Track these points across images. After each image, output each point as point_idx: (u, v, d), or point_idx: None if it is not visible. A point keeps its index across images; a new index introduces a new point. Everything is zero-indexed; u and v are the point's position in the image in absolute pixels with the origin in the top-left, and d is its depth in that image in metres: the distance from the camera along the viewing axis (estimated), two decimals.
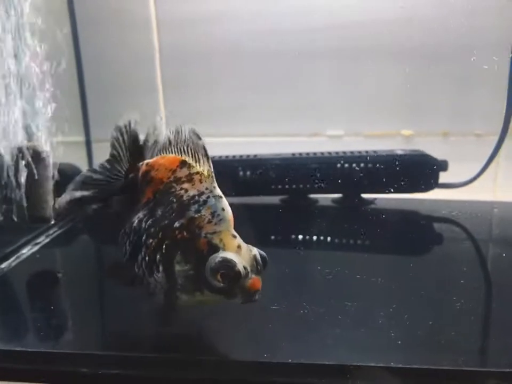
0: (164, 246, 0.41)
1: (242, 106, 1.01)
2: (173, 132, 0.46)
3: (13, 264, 0.66)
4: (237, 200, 0.91)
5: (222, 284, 0.38)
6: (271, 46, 0.98)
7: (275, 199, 0.92)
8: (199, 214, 0.40)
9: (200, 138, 0.44)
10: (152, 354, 0.45)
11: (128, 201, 0.49)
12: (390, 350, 0.42)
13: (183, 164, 0.43)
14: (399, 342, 0.42)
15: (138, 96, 1.01)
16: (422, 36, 0.92)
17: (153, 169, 0.45)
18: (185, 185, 0.42)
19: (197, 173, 0.42)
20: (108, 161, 0.53)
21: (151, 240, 0.42)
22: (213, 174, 0.43)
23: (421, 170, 0.86)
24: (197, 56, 1.00)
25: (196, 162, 0.43)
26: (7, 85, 0.66)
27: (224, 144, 1.01)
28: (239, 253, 0.39)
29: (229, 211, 0.41)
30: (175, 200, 0.42)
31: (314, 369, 0.41)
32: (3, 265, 0.65)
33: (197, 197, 0.41)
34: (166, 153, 0.46)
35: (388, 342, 0.43)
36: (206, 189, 0.42)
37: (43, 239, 0.74)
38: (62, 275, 0.64)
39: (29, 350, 0.46)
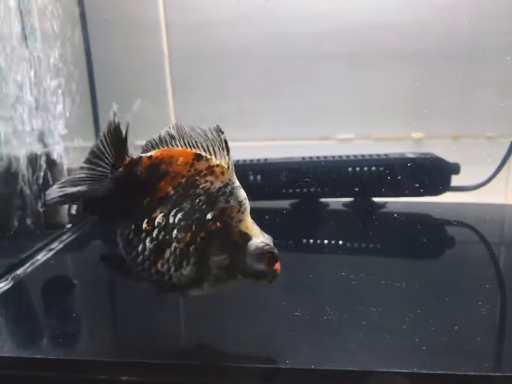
0: (198, 239, 0.42)
1: (252, 110, 1.01)
2: (174, 127, 0.47)
3: (28, 270, 0.66)
4: (250, 204, 0.92)
5: (266, 267, 0.41)
6: (280, 50, 0.98)
7: (285, 203, 0.92)
8: (229, 205, 0.42)
9: (222, 133, 0.45)
10: (171, 360, 0.45)
11: (122, 197, 0.46)
12: (414, 355, 0.42)
13: (199, 157, 0.44)
14: (424, 348, 0.42)
15: (148, 100, 1.01)
16: (432, 38, 0.92)
17: (163, 162, 0.45)
18: (209, 178, 0.43)
19: (217, 165, 0.44)
20: (87, 159, 0.49)
21: (183, 234, 0.42)
22: (233, 166, 0.44)
23: (432, 173, 0.85)
24: (206, 60, 1.01)
25: (210, 155, 0.44)
26: (23, 94, 0.67)
27: (233, 148, 1.01)
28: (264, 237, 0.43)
29: (247, 199, 0.44)
30: (202, 192, 0.43)
31: (338, 375, 0.41)
32: (19, 271, 0.65)
33: (223, 189, 0.43)
34: (169, 147, 0.46)
35: (412, 347, 0.42)
36: (229, 180, 0.43)
37: (57, 245, 0.74)
38: (76, 281, 0.64)
39: (45, 357, 0.46)
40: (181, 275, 0.43)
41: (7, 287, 0.61)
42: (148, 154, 0.46)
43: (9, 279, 0.62)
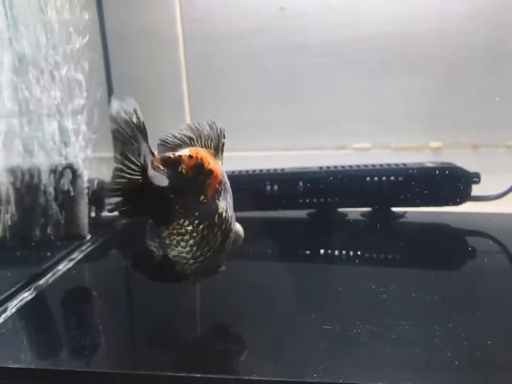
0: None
1: (268, 120, 1.01)
2: (189, 128, 0.49)
3: (50, 280, 0.66)
4: (265, 214, 0.91)
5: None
6: (296, 60, 0.99)
7: (302, 213, 0.91)
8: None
9: (224, 137, 0.49)
10: (196, 374, 0.45)
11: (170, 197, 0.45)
12: (446, 370, 0.41)
13: (214, 156, 0.49)
14: (456, 362, 0.41)
15: (165, 111, 1.02)
16: (451, 47, 0.92)
17: (205, 161, 0.46)
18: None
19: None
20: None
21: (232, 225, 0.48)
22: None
23: (452, 183, 0.85)
24: (222, 72, 1.01)
25: (216, 155, 0.49)
26: (46, 104, 0.68)
27: (250, 158, 1.01)
28: None
29: None
30: (226, 186, 0.49)
31: None
32: (41, 282, 0.65)
33: (226, 184, 0.49)
34: (194, 146, 0.48)
35: (444, 362, 0.41)
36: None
37: (77, 255, 0.75)
38: (97, 292, 0.64)
39: (70, 369, 0.46)
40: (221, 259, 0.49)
41: (30, 297, 0.61)
42: (182, 153, 0.46)
43: (32, 289, 0.63)
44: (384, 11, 0.95)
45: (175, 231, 0.45)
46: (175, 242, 0.45)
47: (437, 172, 0.85)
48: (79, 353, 0.50)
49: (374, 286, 0.55)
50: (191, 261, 0.46)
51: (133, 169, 0.42)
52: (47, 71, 0.68)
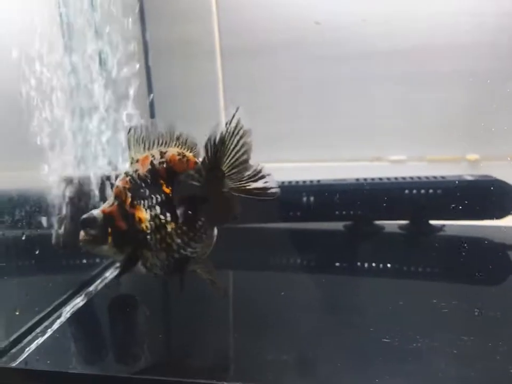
0: None
1: (303, 132, 1.02)
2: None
3: (99, 287, 0.67)
4: (303, 225, 0.92)
5: None
6: (331, 72, 1.00)
7: (339, 225, 0.91)
8: None
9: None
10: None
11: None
12: None
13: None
14: None
15: (202, 122, 1.04)
16: (487, 59, 0.92)
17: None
18: None
19: None
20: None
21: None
22: None
23: (493, 196, 0.84)
24: (258, 83, 1.03)
25: None
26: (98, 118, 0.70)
27: (286, 169, 1.02)
28: None
29: None
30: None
31: None
32: (91, 288, 0.67)
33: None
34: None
35: (506, 379, 0.41)
36: None
37: None
38: (142, 299, 0.65)
39: (129, 376, 0.47)
40: None
41: (82, 303, 0.63)
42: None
43: (83, 296, 0.64)
44: (419, 23, 0.95)
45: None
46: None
47: (477, 184, 0.84)
48: (128, 359, 0.51)
49: (435, 301, 0.54)
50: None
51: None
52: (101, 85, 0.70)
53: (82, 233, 0.52)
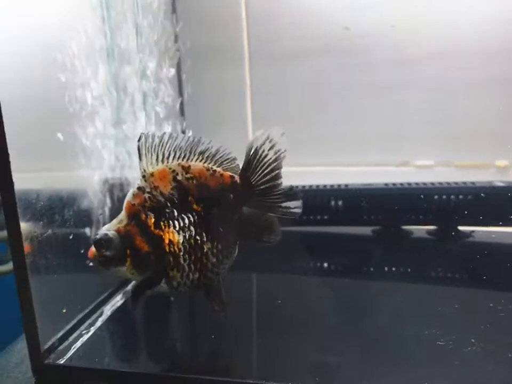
0: None
1: (331, 137, 1.03)
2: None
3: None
4: (330, 229, 0.92)
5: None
6: (360, 78, 1.00)
7: (367, 230, 0.92)
8: None
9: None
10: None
11: None
12: None
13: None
14: None
15: (229, 128, 1.06)
16: None
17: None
18: None
19: None
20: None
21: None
22: None
23: None
24: (286, 90, 1.04)
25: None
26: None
27: (312, 173, 1.03)
28: None
29: None
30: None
31: None
32: (128, 287, 0.68)
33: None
34: None
35: None
36: None
37: None
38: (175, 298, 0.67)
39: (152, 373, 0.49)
40: None
41: (120, 302, 0.65)
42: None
43: (122, 294, 0.66)
44: (448, 30, 0.95)
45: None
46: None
47: (508, 191, 0.84)
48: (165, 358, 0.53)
49: (491, 304, 0.54)
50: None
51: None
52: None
53: (93, 250, 0.47)
